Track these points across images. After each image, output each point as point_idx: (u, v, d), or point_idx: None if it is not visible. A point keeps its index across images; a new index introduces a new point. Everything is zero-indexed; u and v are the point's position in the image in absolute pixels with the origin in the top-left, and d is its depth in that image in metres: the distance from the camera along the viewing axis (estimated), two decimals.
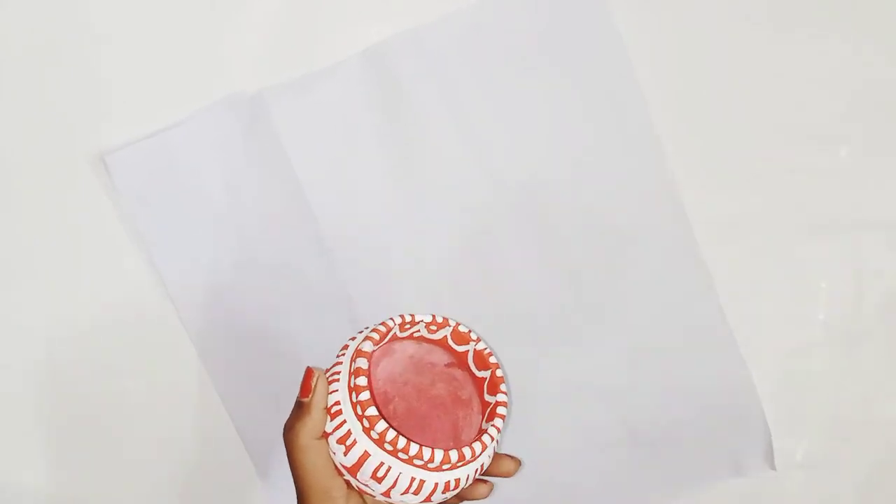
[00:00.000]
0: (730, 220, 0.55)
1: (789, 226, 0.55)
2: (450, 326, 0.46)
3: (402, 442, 0.41)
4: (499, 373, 0.46)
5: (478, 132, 0.53)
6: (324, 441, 0.43)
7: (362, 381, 0.42)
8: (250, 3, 0.52)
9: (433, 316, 0.46)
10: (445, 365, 0.47)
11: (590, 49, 0.53)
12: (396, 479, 0.42)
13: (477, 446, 0.42)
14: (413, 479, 0.42)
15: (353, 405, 0.42)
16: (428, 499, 0.43)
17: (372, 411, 0.41)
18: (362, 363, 0.42)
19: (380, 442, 0.41)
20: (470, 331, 0.46)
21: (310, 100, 0.53)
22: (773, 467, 0.56)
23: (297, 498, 0.44)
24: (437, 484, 0.42)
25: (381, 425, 0.41)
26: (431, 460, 0.41)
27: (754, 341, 0.55)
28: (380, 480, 0.42)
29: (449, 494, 0.43)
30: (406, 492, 0.42)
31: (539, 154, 0.54)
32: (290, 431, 0.43)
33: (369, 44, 0.52)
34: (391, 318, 0.45)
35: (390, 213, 0.54)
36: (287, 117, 0.53)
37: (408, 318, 0.45)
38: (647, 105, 0.53)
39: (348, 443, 0.42)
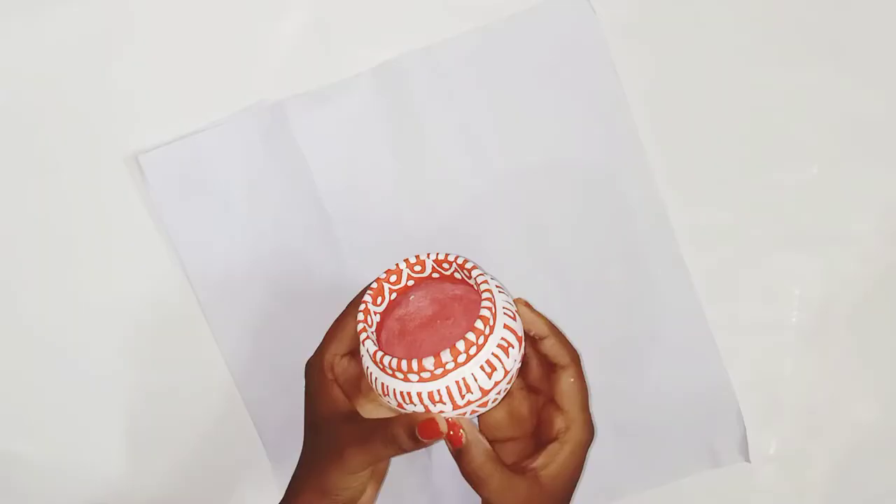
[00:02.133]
0: (711, 231, 0.56)
1: (766, 237, 0.56)
2: (430, 258, 0.45)
3: (424, 362, 0.41)
4: (477, 272, 0.44)
5: (482, 147, 0.55)
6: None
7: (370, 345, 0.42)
8: (276, 21, 0.54)
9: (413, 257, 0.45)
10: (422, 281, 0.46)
11: (586, 75, 0.54)
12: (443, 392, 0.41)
13: (470, 335, 0.41)
14: (459, 383, 0.41)
15: (381, 367, 0.42)
16: (484, 402, 0.43)
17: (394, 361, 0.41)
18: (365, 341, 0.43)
19: (405, 374, 0.41)
20: (448, 254, 0.45)
21: (327, 110, 0.54)
22: (747, 459, 0.56)
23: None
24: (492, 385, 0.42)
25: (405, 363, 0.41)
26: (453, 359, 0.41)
27: (732, 342, 0.56)
28: (435, 403, 0.42)
29: (503, 383, 0.43)
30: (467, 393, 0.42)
31: (536, 168, 0.55)
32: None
33: (383, 60, 0.54)
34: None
35: (401, 217, 0.56)
36: (305, 126, 0.54)
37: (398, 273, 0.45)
38: (638, 128, 0.55)
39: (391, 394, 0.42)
